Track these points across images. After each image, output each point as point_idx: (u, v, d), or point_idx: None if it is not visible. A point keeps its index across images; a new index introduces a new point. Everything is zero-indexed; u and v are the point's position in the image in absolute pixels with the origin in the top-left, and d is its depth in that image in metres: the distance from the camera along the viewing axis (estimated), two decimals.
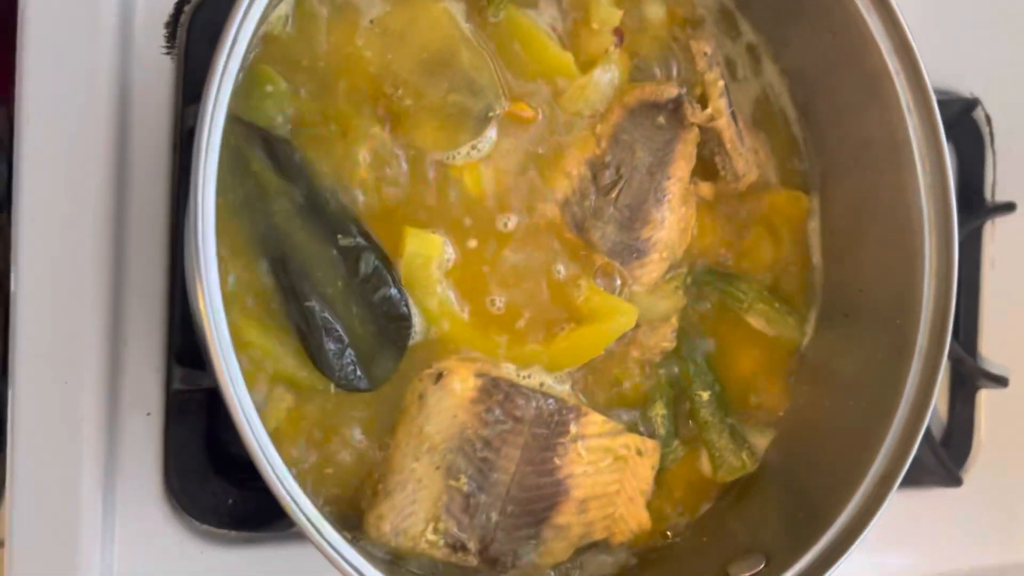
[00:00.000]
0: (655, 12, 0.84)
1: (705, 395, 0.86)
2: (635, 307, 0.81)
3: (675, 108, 0.82)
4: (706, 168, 0.85)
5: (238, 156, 0.71)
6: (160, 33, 0.84)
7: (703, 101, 0.82)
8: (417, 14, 0.75)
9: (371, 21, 0.75)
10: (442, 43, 0.75)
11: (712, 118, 0.82)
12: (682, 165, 0.82)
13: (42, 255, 0.80)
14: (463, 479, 0.75)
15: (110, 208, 0.82)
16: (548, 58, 0.80)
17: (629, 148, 0.82)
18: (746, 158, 0.83)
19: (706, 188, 0.85)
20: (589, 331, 0.80)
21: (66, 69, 0.81)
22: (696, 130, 0.82)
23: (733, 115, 0.82)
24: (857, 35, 0.79)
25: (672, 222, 0.81)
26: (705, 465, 0.88)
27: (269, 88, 0.73)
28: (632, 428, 0.84)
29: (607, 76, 0.83)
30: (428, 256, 0.76)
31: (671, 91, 0.82)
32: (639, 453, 0.82)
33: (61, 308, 0.80)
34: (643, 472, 0.83)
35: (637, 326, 0.82)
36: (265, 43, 0.73)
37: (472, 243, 0.79)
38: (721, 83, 0.82)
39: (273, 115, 0.73)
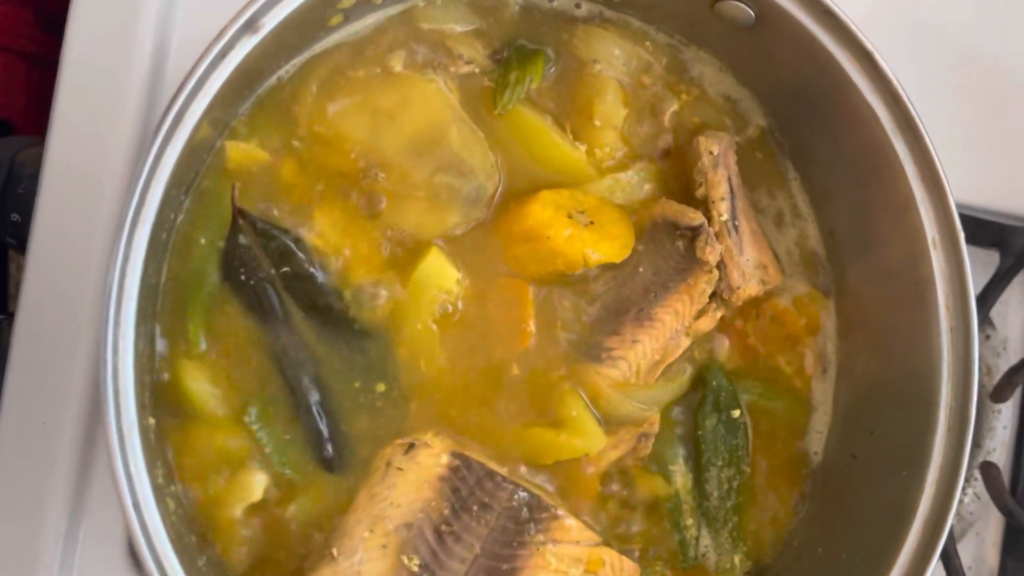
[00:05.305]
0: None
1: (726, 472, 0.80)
2: (601, 435, 0.76)
3: (692, 237, 0.77)
4: None
5: (247, 253, 0.72)
6: None
7: (705, 202, 0.77)
8: (409, 92, 0.74)
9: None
10: (432, 122, 0.74)
11: (722, 260, 0.77)
12: (684, 300, 0.77)
13: (44, 297, 0.82)
14: (416, 559, 0.71)
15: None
16: (558, 155, 0.78)
17: (637, 256, 0.78)
18: (742, 270, 0.77)
19: (704, 323, 0.79)
20: (544, 436, 0.75)
21: (95, 116, 0.84)
22: (715, 275, 0.77)
23: (735, 224, 0.77)
24: (884, 160, 0.73)
25: (646, 350, 0.76)
26: None
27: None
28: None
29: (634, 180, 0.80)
30: (436, 284, 0.74)
31: (694, 218, 0.77)
32: (615, 572, 0.76)
33: (54, 349, 0.82)
34: None
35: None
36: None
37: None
38: (725, 186, 0.77)
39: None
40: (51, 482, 0.81)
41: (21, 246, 0.86)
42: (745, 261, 0.78)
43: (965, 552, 0.97)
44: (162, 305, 0.70)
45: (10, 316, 0.89)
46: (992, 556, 1.01)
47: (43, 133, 0.90)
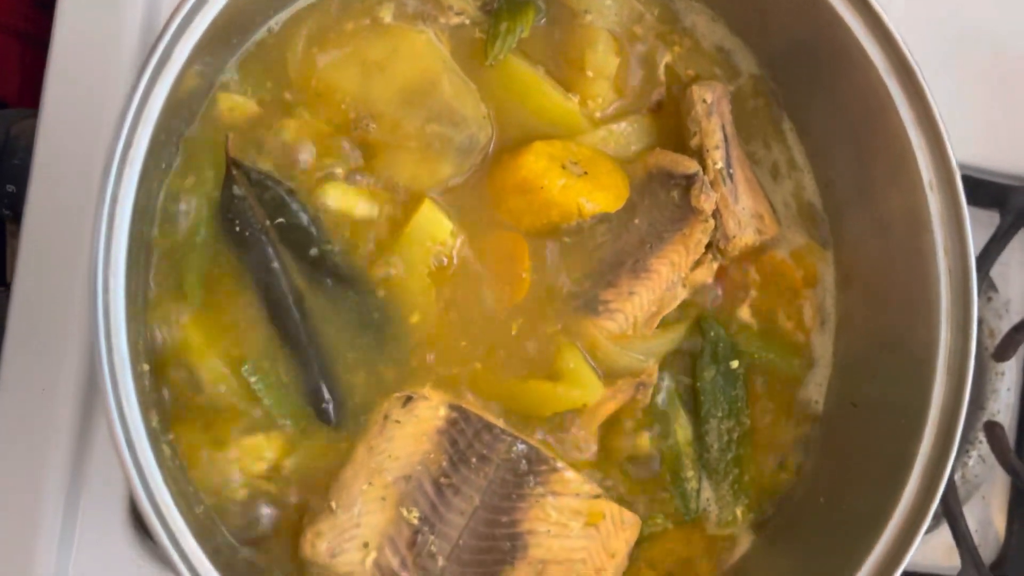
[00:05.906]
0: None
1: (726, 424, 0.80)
2: (599, 386, 0.76)
3: (687, 186, 0.76)
4: None
5: (242, 203, 0.72)
6: None
7: (700, 151, 0.76)
8: (399, 44, 0.74)
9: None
10: (423, 73, 0.73)
11: (717, 209, 0.77)
12: (680, 251, 0.77)
13: (39, 263, 0.82)
14: (415, 512, 0.71)
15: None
16: (551, 106, 0.77)
17: (632, 207, 0.78)
18: (738, 218, 0.77)
19: (701, 273, 0.79)
20: (542, 388, 0.75)
21: (87, 85, 0.84)
22: (711, 224, 0.77)
23: (730, 172, 0.77)
24: (879, 105, 0.73)
25: (643, 301, 0.76)
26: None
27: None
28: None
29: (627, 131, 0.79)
30: (431, 236, 0.74)
31: (689, 166, 0.76)
32: (615, 524, 0.76)
33: (51, 317, 0.81)
34: (616, 546, 0.75)
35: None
36: None
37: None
38: (719, 134, 0.76)
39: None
40: (51, 450, 0.80)
41: (17, 217, 0.86)
42: (741, 210, 0.77)
43: (971, 515, 0.96)
44: (156, 255, 0.70)
45: (8, 287, 0.89)
46: (999, 519, 1.01)
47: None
